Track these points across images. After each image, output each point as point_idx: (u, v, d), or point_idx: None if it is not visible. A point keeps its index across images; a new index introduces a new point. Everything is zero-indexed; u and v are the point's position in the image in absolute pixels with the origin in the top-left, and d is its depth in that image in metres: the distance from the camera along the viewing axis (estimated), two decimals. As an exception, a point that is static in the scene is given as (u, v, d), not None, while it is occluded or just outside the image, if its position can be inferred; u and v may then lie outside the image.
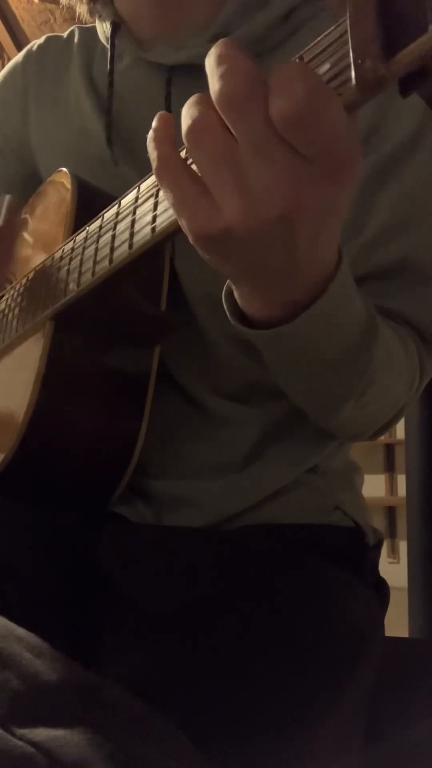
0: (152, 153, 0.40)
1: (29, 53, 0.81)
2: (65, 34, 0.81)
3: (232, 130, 0.36)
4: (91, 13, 0.73)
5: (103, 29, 0.72)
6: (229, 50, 0.36)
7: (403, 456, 0.95)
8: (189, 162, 0.40)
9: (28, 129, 0.79)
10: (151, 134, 0.41)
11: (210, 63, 0.36)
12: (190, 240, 0.40)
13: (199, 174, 0.38)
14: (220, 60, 0.36)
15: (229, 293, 0.49)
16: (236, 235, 0.38)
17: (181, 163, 0.39)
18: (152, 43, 0.69)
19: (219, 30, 0.64)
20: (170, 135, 0.40)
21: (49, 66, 0.79)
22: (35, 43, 0.82)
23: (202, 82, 0.66)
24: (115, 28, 0.70)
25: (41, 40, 0.82)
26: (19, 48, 2.98)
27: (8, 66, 0.83)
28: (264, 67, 0.65)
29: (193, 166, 0.39)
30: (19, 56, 0.82)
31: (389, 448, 3.62)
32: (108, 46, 0.71)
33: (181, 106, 0.67)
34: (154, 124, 0.41)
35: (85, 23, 0.77)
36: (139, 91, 0.70)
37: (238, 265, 0.42)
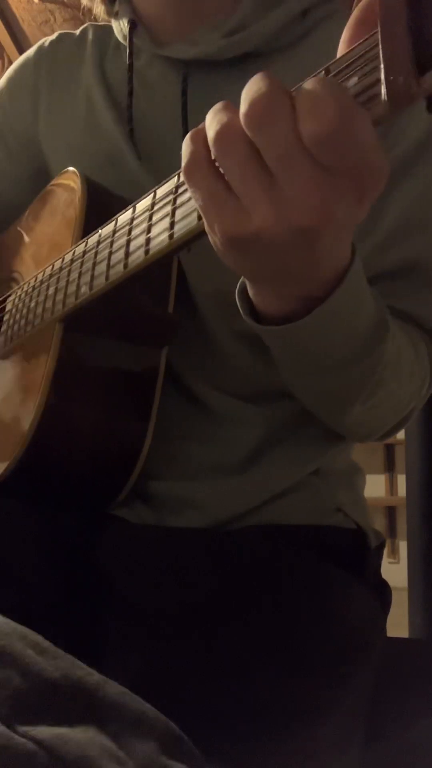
0: (185, 151, 0.40)
1: (41, 49, 0.81)
2: (78, 31, 0.81)
3: (258, 149, 0.36)
4: (109, 13, 0.73)
5: (121, 27, 0.73)
6: (260, 74, 0.36)
7: (403, 456, 0.94)
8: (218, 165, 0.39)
9: (38, 125, 0.79)
10: (189, 134, 0.40)
11: (244, 89, 0.36)
12: (217, 241, 0.40)
13: (227, 179, 0.38)
14: (249, 83, 0.36)
15: (243, 290, 0.49)
16: (265, 239, 0.38)
17: (213, 164, 0.39)
18: (167, 41, 0.69)
19: (235, 26, 0.65)
20: (205, 136, 0.39)
21: (61, 63, 0.79)
22: (47, 39, 0.82)
23: (217, 78, 0.67)
24: (133, 26, 0.70)
25: (53, 36, 0.82)
26: (19, 48, 2.97)
27: (19, 61, 0.83)
28: (278, 64, 0.65)
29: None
30: (30, 52, 0.82)
31: (389, 448, 3.62)
32: (125, 44, 0.71)
33: (198, 101, 0.68)
34: (196, 127, 0.40)
35: (96, 21, 0.77)
36: (155, 89, 0.70)
37: (259, 266, 0.42)
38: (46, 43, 0.81)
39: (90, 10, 0.75)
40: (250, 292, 0.48)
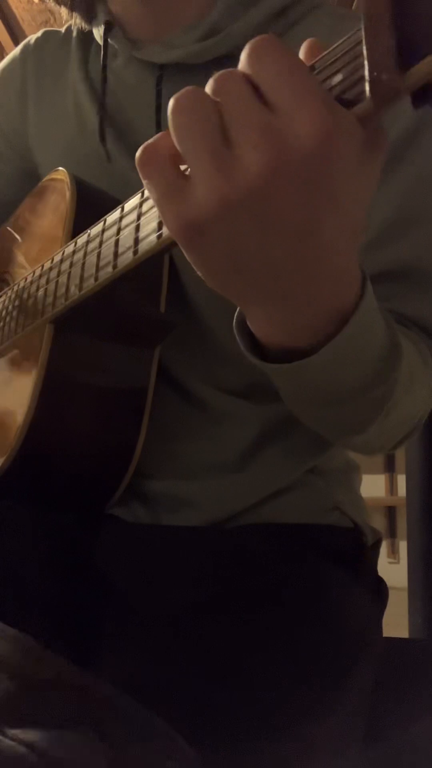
0: (141, 146, 0.37)
1: (26, 48, 0.81)
2: (63, 29, 0.80)
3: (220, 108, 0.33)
4: (87, 21, 0.73)
5: (98, 29, 0.72)
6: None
7: (403, 456, 0.94)
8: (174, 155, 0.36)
9: (26, 125, 0.78)
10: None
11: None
12: (177, 241, 0.37)
13: (180, 151, 0.35)
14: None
15: (242, 323, 0.45)
16: (216, 219, 0.34)
17: (168, 154, 0.36)
18: (144, 42, 0.69)
19: (209, 28, 0.64)
20: (168, 132, 0.36)
21: (47, 61, 0.78)
22: (32, 38, 0.81)
23: (193, 80, 0.66)
24: (109, 27, 0.70)
25: (38, 34, 0.81)
26: (19, 48, 2.97)
27: (5, 61, 0.82)
28: None
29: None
30: (16, 51, 0.82)
31: (389, 448, 3.61)
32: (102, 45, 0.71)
33: None
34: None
35: (83, 30, 0.77)
36: (132, 89, 0.70)
37: (230, 268, 0.37)
38: (32, 41, 0.81)
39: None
40: (249, 323, 0.44)
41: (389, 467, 3.60)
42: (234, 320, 0.46)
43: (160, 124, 0.66)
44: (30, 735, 0.25)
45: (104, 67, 0.70)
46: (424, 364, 0.59)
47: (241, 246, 0.36)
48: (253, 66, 0.33)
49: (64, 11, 0.74)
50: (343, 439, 0.59)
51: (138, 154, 0.37)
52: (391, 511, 3.50)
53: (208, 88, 0.34)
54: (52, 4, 0.74)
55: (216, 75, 0.34)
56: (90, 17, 0.72)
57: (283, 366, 0.44)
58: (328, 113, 0.32)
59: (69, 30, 0.80)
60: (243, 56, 0.34)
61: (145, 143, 0.37)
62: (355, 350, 0.44)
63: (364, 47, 0.32)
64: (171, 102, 0.35)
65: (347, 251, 0.39)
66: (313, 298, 0.39)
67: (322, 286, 0.39)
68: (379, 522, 3.44)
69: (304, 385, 0.48)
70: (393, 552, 3.33)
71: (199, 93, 0.34)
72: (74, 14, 0.73)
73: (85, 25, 0.73)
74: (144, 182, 0.37)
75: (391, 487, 3.59)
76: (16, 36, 3.06)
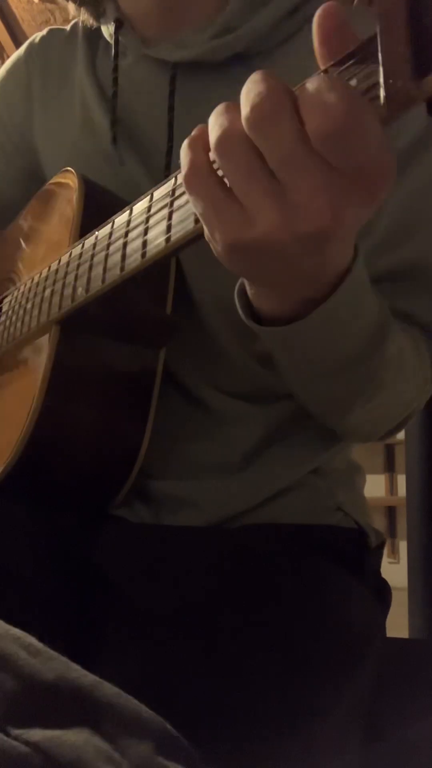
0: (184, 158, 0.39)
1: (32, 46, 0.80)
2: (68, 27, 0.80)
3: (261, 150, 0.36)
4: (96, 18, 0.72)
5: (107, 27, 0.72)
6: (259, 74, 0.35)
7: (403, 456, 0.95)
8: (218, 171, 0.39)
9: (32, 124, 0.78)
10: (187, 141, 0.40)
11: (243, 90, 0.36)
12: (218, 248, 0.40)
13: (229, 185, 0.37)
14: (248, 83, 0.35)
15: (242, 291, 0.49)
16: (268, 246, 0.37)
17: (213, 171, 0.38)
18: (155, 40, 0.68)
19: (222, 27, 0.64)
20: (206, 143, 0.38)
21: (53, 59, 0.78)
22: (37, 36, 0.81)
23: (205, 80, 0.66)
24: (119, 25, 0.70)
25: (44, 32, 0.81)
26: (19, 48, 2.96)
27: (10, 59, 0.82)
28: (269, 63, 0.65)
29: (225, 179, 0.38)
30: (21, 49, 0.81)
31: (389, 448, 3.61)
32: (112, 43, 0.70)
33: (185, 102, 0.67)
34: (193, 132, 0.40)
35: (91, 27, 0.77)
36: (143, 88, 0.69)
37: (265, 272, 0.42)
38: (37, 40, 0.81)
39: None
40: (250, 294, 0.47)
41: (389, 467, 3.60)
42: (236, 288, 0.49)
43: (172, 125, 0.66)
44: (33, 735, 0.25)
45: (115, 68, 0.70)
46: (419, 356, 0.60)
47: (273, 259, 0.39)
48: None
49: (71, 7, 0.73)
50: (331, 416, 0.61)
51: (183, 171, 0.39)
52: (391, 511, 3.50)
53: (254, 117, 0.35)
54: (53, 4, 0.74)
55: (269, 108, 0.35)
56: (98, 14, 0.72)
57: (279, 328, 0.47)
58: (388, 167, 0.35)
59: (75, 27, 0.79)
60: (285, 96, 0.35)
61: (190, 161, 0.39)
62: (344, 316, 0.47)
63: (380, 53, 0.32)
64: (212, 138, 0.37)
65: (350, 246, 0.43)
66: (318, 279, 0.44)
67: (329, 272, 0.44)
68: (379, 522, 3.44)
69: (296, 351, 0.51)
70: (393, 552, 3.33)
71: (237, 132, 0.36)
72: (82, 10, 0.73)
73: (93, 22, 0.73)
74: (190, 199, 0.40)
75: (391, 487, 3.59)
76: (16, 36, 3.06)
